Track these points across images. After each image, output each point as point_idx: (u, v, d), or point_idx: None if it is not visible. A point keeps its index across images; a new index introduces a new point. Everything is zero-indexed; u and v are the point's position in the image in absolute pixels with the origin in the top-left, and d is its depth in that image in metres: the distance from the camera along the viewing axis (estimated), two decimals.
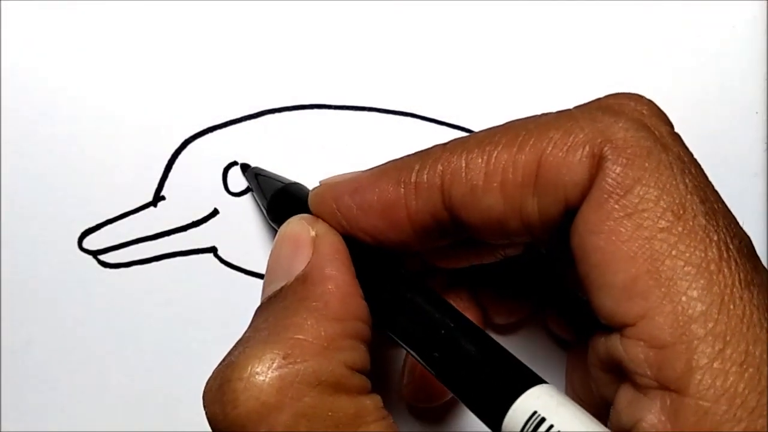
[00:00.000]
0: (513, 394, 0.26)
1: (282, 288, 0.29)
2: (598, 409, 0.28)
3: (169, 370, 0.40)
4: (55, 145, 0.39)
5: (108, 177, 0.39)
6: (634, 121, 0.28)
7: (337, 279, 0.29)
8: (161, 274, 0.40)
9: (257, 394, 0.26)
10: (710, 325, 0.24)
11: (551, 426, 0.25)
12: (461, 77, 0.40)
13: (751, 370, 0.24)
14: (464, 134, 0.38)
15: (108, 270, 0.40)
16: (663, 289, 0.25)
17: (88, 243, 0.39)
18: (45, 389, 0.40)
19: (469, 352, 0.28)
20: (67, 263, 0.39)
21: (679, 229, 0.26)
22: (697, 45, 0.40)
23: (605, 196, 0.26)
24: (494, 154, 0.29)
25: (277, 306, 0.29)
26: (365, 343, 0.29)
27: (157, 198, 0.39)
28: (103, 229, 0.39)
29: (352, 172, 0.32)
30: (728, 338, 0.24)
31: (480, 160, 0.29)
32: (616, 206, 0.26)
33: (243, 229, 0.40)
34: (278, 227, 0.33)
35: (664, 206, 0.26)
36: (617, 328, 0.26)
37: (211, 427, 0.27)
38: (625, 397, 0.26)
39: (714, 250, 0.25)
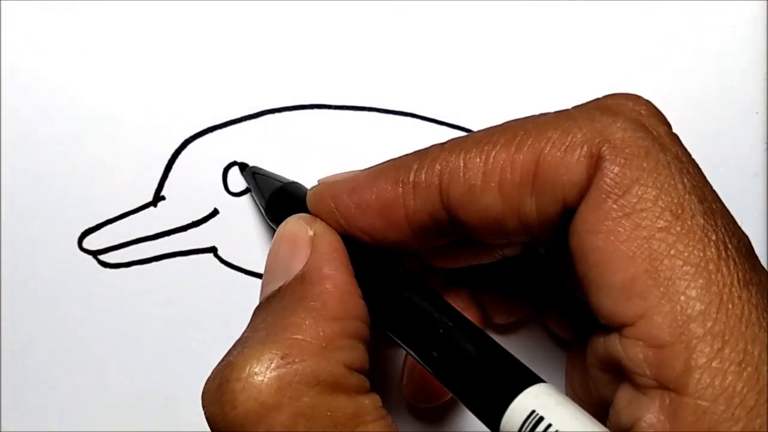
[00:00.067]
0: (511, 394, 0.26)
1: (280, 288, 0.30)
2: (598, 409, 0.28)
3: (169, 370, 0.40)
4: (55, 145, 0.39)
5: (108, 177, 0.39)
6: (632, 121, 0.28)
7: (336, 278, 0.29)
8: (161, 274, 0.40)
9: (256, 395, 0.26)
10: (709, 324, 0.24)
11: (549, 425, 0.25)
12: (461, 77, 0.40)
13: (749, 369, 0.24)
14: (463, 134, 0.38)
15: (108, 270, 0.40)
16: (662, 289, 0.25)
17: (88, 243, 0.39)
18: (45, 389, 0.40)
19: (467, 351, 0.28)
20: (67, 263, 0.39)
21: (678, 228, 0.26)
22: (697, 45, 0.40)
23: (603, 196, 0.26)
24: (492, 154, 0.29)
25: (276, 306, 0.29)
26: (364, 342, 0.29)
27: (157, 198, 0.40)
28: (103, 229, 0.39)
29: (350, 172, 0.32)
30: (727, 337, 0.24)
31: (478, 160, 0.29)
32: (615, 206, 0.26)
33: (243, 229, 0.40)
34: (277, 227, 0.33)
35: (663, 206, 0.26)
36: (616, 327, 0.26)
37: (210, 428, 0.27)
38: (624, 396, 0.26)
39: (712, 249, 0.25)
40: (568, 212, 0.28)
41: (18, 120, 0.39)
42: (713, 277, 0.25)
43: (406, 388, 0.38)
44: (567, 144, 0.28)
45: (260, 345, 0.27)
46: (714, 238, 0.26)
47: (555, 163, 0.28)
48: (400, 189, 0.30)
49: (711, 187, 0.28)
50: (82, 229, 0.39)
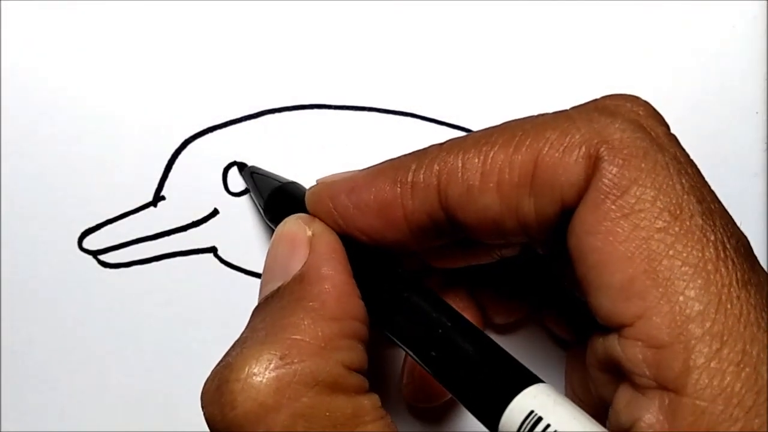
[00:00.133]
0: (510, 394, 0.26)
1: (279, 288, 0.30)
2: (597, 409, 0.28)
3: (169, 370, 0.40)
4: (55, 145, 0.39)
5: (108, 177, 0.39)
6: (630, 122, 0.28)
7: (334, 278, 0.29)
8: (161, 274, 0.40)
9: (255, 395, 0.26)
10: (707, 324, 0.24)
11: (548, 425, 0.25)
12: (461, 77, 0.40)
13: (747, 369, 0.24)
14: (463, 134, 0.38)
15: (108, 270, 0.40)
16: (660, 289, 0.25)
17: (88, 243, 0.39)
18: (45, 389, 0.40)
19: (466, 351, 0.28)
20: (67, 263, 0.39)
21: (676, 229, 0.26)
22: (697, 45, 0.40)
23: (602, 196, 0.26)
24: (491, 155, 0.29)
25: (274, 306, 0.29)
26: (362, 342, 0.29)
27: (157, 198, 0.40)
28: (103, 229, 0.39)
29: (348, 172, 0.32)
30: (725, 338, 0.24)
31: (476, 161, 0.29)
32: (613, 207, 0.26)
33: (243, 229, 0.40)
34: (275, 226, 0.33)
35: (661, 206, 0.26)
36: (615, 328, 0.26)
37: (210, 428, 0.27)
38: (623, 397, 0.26)
39: (711, 249, 0.25)
40: (566, 213, 0.28)
41: (18, 120, 0.39)
42: (712, 277, 0.25)
43: (405, 388, 0.38)
44: (565, 145, 0.28)
45: (259, 345, 0.27)
46: (712, 238, 0.26)
47: (553, 163, 0.28)
48: (399, 189, 0.30)
49: (709, 187, 0.28)
50: (82, 229, 0.39)
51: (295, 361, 0.26)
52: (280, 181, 0.37)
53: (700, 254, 0.25)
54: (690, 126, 0.40)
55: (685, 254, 0.25)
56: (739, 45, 0.40)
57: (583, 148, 0.27)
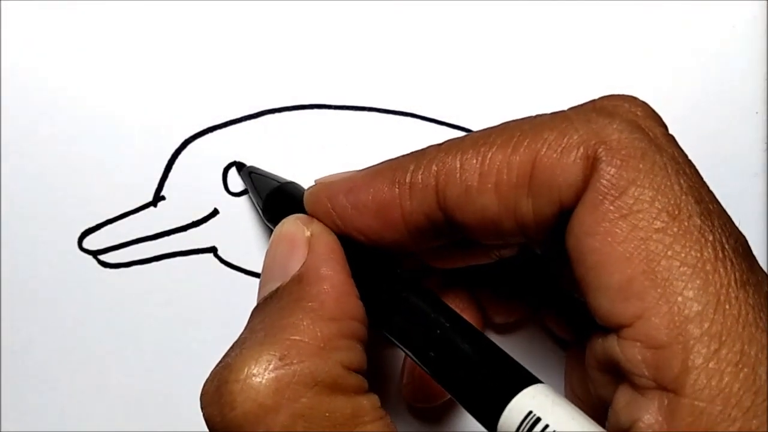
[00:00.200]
0: (508, 394, 0.26)
1: (278, 288, 0.30)
2: (597, 410, 0.28)
3: (169, 370, 0.40)
4: (55, 145, 0.39)
5: (108, 177, 0.39)
6: (628, 123, 0.28)
7: (333, 279, 0.29)
8: (161, 274, 0.40)
9: (254, 396, 0.26)
10: (706, 325, 0.24)
11: (546, 426, 0.25)
12: (461, 77, 0.40)
13: (746, 370, 0.24)
14: (462, 134, 0.38)
15: (108, 270, 0.40)
16: (659, 290, 0.25)
17: (88, 243, 0.39)
18: (45, 389, 0.40)
19: (464, 351, 0.28)
20: (67, 263, 0.39)
21: (675, 229, 0.26)
22: (697, 45, 0.40)
23: (600, 197, 0.26)
24: (489, 155, 0.29)
25: (273, 307, 0.29)
26: (362, 342, 0.29)
27: (157, 198, 0.40)
28: (103, 229, 0.39)
29: (347, 172, 0.32)
30: (724, 338, 0.24)
31: (475, 161, 0.29)
32: (611, 207, 0.26)
33: (243, 229, 0.40)
34: (274, 227, 0.33)
35: (659, 207, 0.26)
36: (614, 329, 0.26)
37: (209, 429, 0.27)
38: (623, 397, 0.26)
39: (710, 250, 0.25)
40: (564, 213, 0.28)
41: (18, 120, 0.39)
42: (710, 277, 0.25)
43: (405, 388, 0.38)
44: (563, 145, 0.28)
45: (258, 346, 0.27)
46: (711, 238, 0.26)
47: (551, 164, 0.28)
48: (397, 190, 0.30)
49: (708, 187, 0.28)
50: (82, 229, 0.39)
51: (295, 361, 0.26)
52: (278, 181, 0.37)
53: (698, 254, 0.25)
54: (690, 126, 0.40)
55: (683, 255, 0.25)
56: (739, 45, 0.40)
57: (581, 149, 0.27)
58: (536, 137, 0.28)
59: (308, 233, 0.31)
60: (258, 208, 0.38)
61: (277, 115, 0.40)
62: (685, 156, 0.28)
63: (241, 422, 0.26)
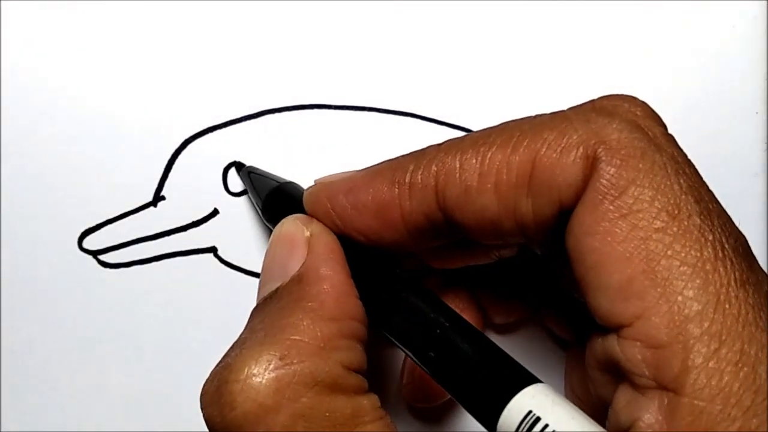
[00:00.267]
0: (508, 394, 0.26)
1: (277, 288, 0.30)
2: (597, 409, 0.28)
3: (169, 370, 0.40)
4: (55, 145, 0.39)
5: (108, 177, 0.39)
6: (628, 123, 0.28)
7: (333, 279, 0.29)
8: (161, 274, 0.40)
9: (254, 396, 0.26)
10: (706, 324, 0.24)
11: (546, 425, 0.25)
12: (461, 77, 0.40)
13: (746, 369, 0.24)
14: (462, 134, 0.38)
15: (108, 270, 0.40)
16: (659, 289, 0.25)
17: (88, 243, 0.39)
18: (45, 389, 0.40)
19: (464, 351, 0.28)
20: (67, 263, 0.39)
21: (675, 229, 0.26)
22: (697, 45, 0.40)
23: (600, 197, 0.26)
24: (488, 155, 0.29)
25: (273, 307, 0.29)
26: (361, 342, 0.29)
27: (157, 198, 0.40)
28: (103, 229, 0.39)
29: (346, 172, 0.32)
30: (724, 338, 0.24)
31: (474, 161, 0.29)
32: (611, 207, 0.26)
33: (243, 229, 0.40)
34: (273, 227, 0.33)
35: (659, 207, 0.26)
36: (614, 328, 0.26)
37: (209, 429, 0.27)
38: (623, 397, 0.26)
39: (709, 249, 0.25)
40: (564, 213, 0.28)
41: (18, 120, 0.39)
42: (710, 277, 0.25)
43: (405, 388, 0.38)
44: (563, 145, 0.28)
45: (258, 346, 0.27)
46: (711, 238, 0.26)
47: (551, 164, 0.28)
48: (396, 190, 0.30)
49: (707, 187, 0.28)
50: (82, 229, 0.39)
51: (295, 361, 0.26)
52: (277, 181, 0.37)
53: (698, 254, 0.25)
54: (690, 126, 0.40)
55: (683, 254, 0.25)
56: (739, 45, 0.40)
57: (581, 149, 0.27)
58: (536, 137, 0.28)
59: (308, 233, 0.31)
60: (257, 208, 0.37)
61: (276, 115, 0.40)
62: (685, 156, 0.28)
63: (241, 422, 0.26)
